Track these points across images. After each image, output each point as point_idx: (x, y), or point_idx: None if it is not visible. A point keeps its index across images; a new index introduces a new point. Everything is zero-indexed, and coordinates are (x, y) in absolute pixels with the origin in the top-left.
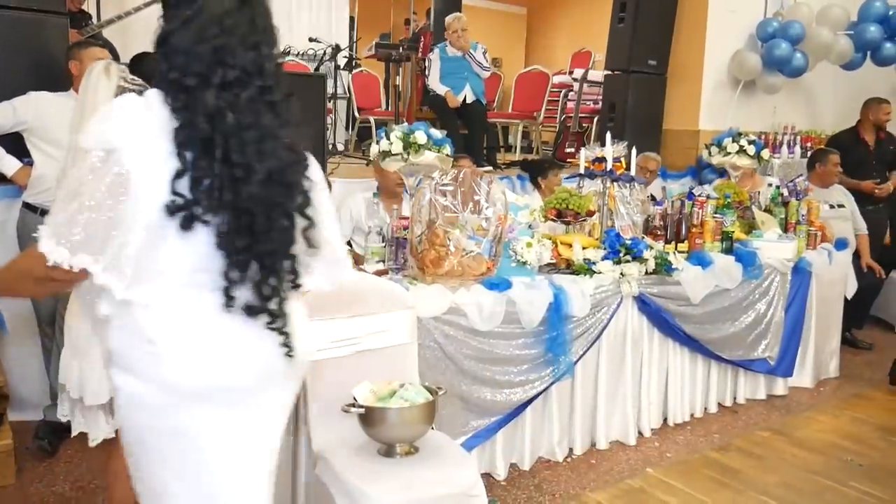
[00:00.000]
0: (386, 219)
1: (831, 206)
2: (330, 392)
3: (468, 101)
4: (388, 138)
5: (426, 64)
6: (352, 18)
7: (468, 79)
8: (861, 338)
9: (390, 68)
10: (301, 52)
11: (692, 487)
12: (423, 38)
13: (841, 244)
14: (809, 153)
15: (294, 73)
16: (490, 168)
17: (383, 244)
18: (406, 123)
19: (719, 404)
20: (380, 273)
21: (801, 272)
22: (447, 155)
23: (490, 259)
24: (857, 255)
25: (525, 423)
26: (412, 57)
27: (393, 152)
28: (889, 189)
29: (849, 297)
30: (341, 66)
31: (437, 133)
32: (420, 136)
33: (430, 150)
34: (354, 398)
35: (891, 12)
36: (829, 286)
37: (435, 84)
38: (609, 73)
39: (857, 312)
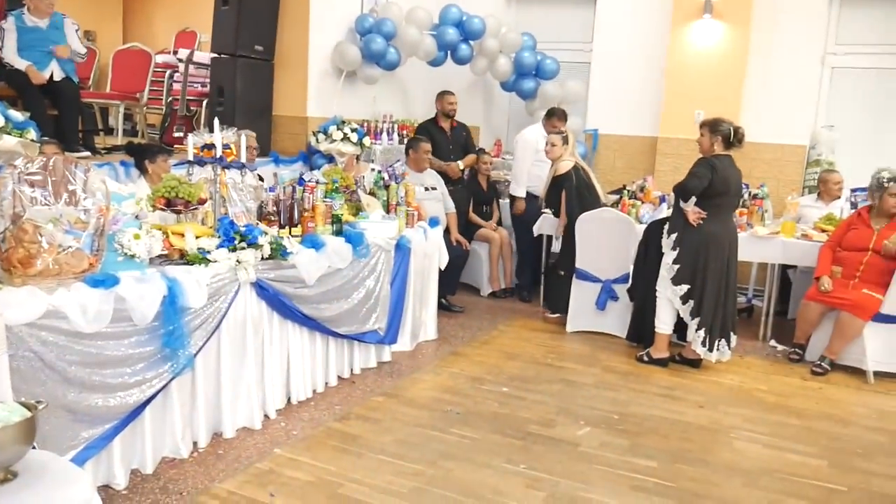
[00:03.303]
0: None
1: (426, 189)
2: None
3: (56, 78)
4: None
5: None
6: None
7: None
8: (454, 302)
9: None
10: None
11: (318, 459)
12: None
13: (434, 222)
14: (405, 140)
15: None
16: (88, 153)
17: None
18: None
19: (339, 377)
20: None
21: (402, 249)
22: (32, 140)
23: (92, 254)
24: (447, 231)
25: (144, 425)
26: None
27: None
28: (457, 168)
29: (442, 269)
30: None
31: (19, 115)
32: None
33: (9, 133)
34: None
35: (464, 17)
36: (425, 259)
37: (12, 57)
38: (216, 56)
39: (449, 280)
